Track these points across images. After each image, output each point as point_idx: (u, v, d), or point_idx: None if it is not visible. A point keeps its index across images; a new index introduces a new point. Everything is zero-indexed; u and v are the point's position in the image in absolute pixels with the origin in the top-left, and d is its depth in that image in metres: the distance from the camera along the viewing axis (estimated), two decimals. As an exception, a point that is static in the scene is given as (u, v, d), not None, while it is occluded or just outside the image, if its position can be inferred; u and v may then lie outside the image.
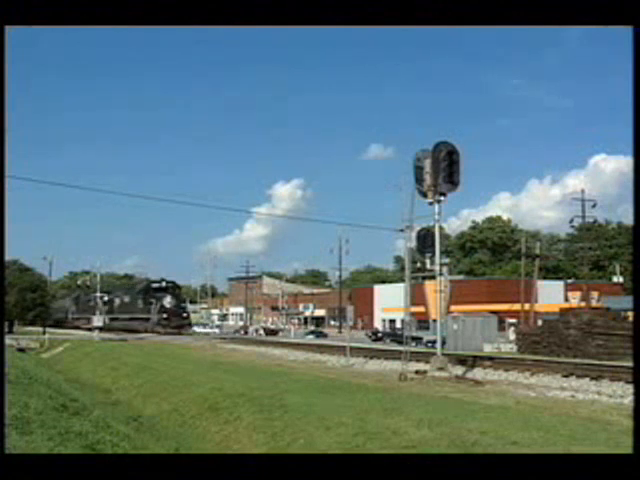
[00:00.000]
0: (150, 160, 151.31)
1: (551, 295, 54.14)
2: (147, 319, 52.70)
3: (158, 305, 51.91)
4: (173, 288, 55.37)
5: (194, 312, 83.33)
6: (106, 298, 60.63)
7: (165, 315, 51.22)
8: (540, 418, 9.65)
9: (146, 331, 50.00)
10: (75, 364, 28.37)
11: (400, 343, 24.64)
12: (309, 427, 9.82)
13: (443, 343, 22.61)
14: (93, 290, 59.88)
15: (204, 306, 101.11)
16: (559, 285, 61.79)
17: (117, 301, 62.31)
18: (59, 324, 70.75)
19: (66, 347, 35.64)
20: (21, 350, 34.00)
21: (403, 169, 17.70)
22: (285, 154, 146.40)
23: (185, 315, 54.38)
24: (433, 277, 17.26)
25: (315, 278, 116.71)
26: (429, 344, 31.74)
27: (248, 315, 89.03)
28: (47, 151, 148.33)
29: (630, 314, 29.59)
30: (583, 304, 39.47)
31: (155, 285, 55.33)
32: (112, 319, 59.49)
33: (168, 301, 52.28)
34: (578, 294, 44.63)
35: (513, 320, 44.41)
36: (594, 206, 43.07)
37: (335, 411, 10.53)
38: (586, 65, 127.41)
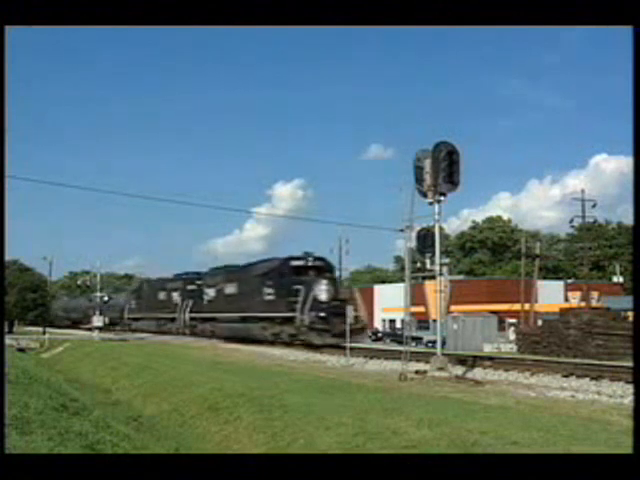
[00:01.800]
0: (150, 160, 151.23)
1: (551, 295, 54.12)
2: (286, 320, 29.05)
3: (310, 297, 27.72)
4: (324, 269, 30.91)
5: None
6: (191, 287, 41.91)
7: (322, 314, 27.16)
8: (540, 418, 9.64)
9: (280, 341, 29.34)
10: (75, 364, 28.39)
11: (400, 343, 24.60)
12: (309, 427, 9.82)
13: (443, 343, 22.61)
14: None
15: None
16: (559, 285, 61.77)
17: (210, 292, 38.45)
18: (109, 325, 55.44)
19: (66, 347, 35.65)
20: (21, 350, 34.04)
21: (403, 169, 17.70)
22: (285, 154, 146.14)
23: (355, 314, 27.77)
24: (433, 277, 17.26)
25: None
26: (429, 344, 31.74)
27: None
28: (48, 151, 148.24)
29: (630, 314, 29.62)
30: (583, 304, 39.49)
31: (297, 263, 30.72)
32: (205, 319, 38.65)
33: (324, 289, 28.07)
34: (578, 294, 44.62)
35: (513, 320, 44.42)
36: (594, 206, 43.08)
37: (335, 411, 10.53)
38: (586, 65, 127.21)
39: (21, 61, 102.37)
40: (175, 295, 44.70)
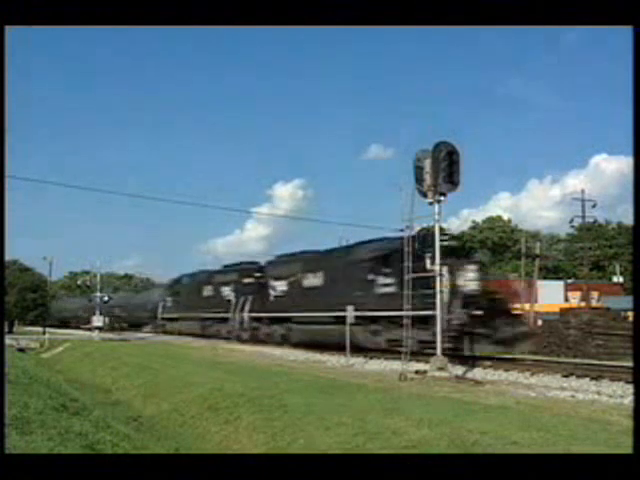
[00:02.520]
0: (150, 160, 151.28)
1: (551, 295, 54.08)
2: (419, 320, 18.40)
3: (458, 289, 19.59)
4: (463, 249, 23.30)
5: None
6: (248, 280, 33.03)
7: (479, 311, 18.86)
8: (540, 418, 9.65)
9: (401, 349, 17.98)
10: (75, 364, 28.37)
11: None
12: (309, 427, 9.82)
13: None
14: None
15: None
16: (559, 285, 61.71)
17: (280, 286, 29.83)
18: (135, 326, 53.88)
19: (66, 347, 35.62)
20: (21, 350, 34.02)
21: (403, 169, 17.65)
22: (285, 154, 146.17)
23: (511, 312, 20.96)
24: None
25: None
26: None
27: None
28: (48, 152, 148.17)
29: (630, 314, 29.64)
30: (583, 304, 39.49)
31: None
32: (273, 319, 29.98)
33: (475, 276, 19.87)
34: (578, 294, 44.66)
35: (513, 320, 44.28)
36: (594, 206, 43.15)
37: (335, 411, 10.53)
38: (586, 65, 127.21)
39: (20, 60, 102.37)
40: (226, 290, 35.85)
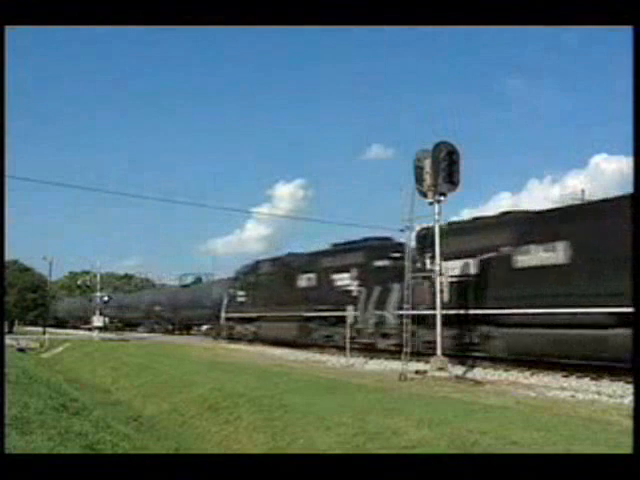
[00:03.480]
0: (150, 160, 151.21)
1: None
2: None
3: None
4: None
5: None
6: (382, 263, 23.76)
7: None
8: (540, 418, 9.64)
9: None
10: (75, 364, 28.38)
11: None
12: (309, 427, 9.82)
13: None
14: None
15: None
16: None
17: (467, 266, 18.60)
18: (184, 329, 48.21)
19: (66, 347, 35.63)
20: (21, 350, 34.02)
21: (403, 169, 17.59)
22: (286, 154, 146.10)
23: None
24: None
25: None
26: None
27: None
28: (47, 152, 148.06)
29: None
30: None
31: None
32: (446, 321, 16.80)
33: None
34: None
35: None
36: (595, 206, 42.99)
37: (335, 411, 10.53)
38: (586, 65, 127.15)
39: (17, 60, 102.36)
40: (344, 278, 25.45)
